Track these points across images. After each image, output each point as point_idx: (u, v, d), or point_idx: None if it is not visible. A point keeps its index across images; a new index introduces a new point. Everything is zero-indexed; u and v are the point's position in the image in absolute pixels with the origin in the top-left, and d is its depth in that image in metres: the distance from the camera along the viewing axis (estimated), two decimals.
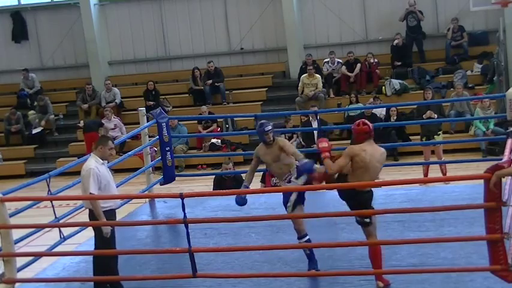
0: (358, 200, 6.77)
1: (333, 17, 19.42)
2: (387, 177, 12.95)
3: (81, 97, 19.54)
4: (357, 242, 7.06)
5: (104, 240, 7.19)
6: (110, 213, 7.27)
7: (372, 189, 6.88)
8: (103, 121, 18.17)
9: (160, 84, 19.70)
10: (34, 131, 19.37)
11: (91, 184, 7.13)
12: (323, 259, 7.16)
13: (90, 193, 7.14)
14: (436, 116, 13.65)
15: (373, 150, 6.83)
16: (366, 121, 6.96)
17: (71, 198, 8.78)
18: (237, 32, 20.02)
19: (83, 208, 9.36)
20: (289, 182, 7.44)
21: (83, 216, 9.85)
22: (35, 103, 19.78)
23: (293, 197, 7.35)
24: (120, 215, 8.92)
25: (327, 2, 19.35)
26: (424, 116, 13.73)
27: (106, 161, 7.49)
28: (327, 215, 7.45)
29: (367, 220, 6.79)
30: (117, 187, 9.34)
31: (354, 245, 7.33)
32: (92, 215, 7.24)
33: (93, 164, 7.24)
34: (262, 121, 7.62)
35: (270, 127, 7.49)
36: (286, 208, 7.38)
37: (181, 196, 6.56)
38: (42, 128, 19.36)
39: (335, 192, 6.98)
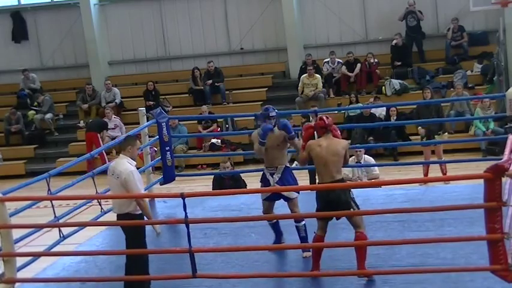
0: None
1: (333, 17, 19.41)
2: (387, 177, 13.04)
3: (81, 97, 19.54)
4: (358, 242, 7.06)
5: (137, 242, 7.16)
6: (141, 217, 7.21)
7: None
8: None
9: (160, 84, 19.71)
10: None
11: (139, 187, 7.05)
12: (323, 259, 7.14)
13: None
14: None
15: (330, 144, 7.15)
16: (324, 116, 7.29)
17: (70, 198, 8.77)
18: (237, 32, 20.02)
19: (83, 208, 9.39)
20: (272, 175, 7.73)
21: (83, 216, 9.89)
22: (35, 103, 19.78)
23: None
24: None
25: (327, 2, 19.34)
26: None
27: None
28: (327, 214, 7.44)
29: None
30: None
31: (354, 245, 7.32)
32: (128, 219, 7.10)
33: (132, 166, 7.09)
34: (267, 106, 7.90)
35: (274, 113, 7.70)
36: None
37: (183, 196, 6.55)
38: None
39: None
